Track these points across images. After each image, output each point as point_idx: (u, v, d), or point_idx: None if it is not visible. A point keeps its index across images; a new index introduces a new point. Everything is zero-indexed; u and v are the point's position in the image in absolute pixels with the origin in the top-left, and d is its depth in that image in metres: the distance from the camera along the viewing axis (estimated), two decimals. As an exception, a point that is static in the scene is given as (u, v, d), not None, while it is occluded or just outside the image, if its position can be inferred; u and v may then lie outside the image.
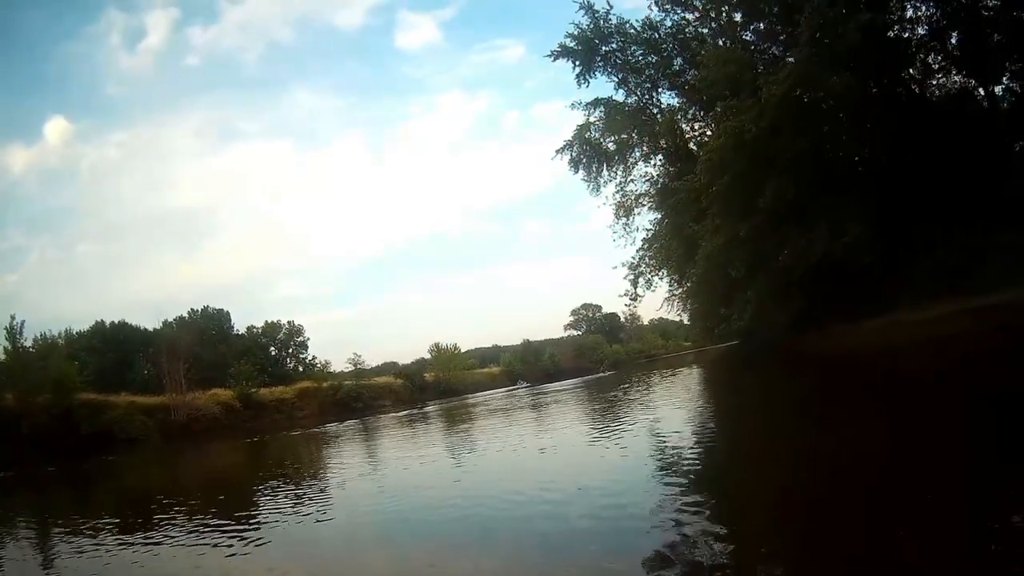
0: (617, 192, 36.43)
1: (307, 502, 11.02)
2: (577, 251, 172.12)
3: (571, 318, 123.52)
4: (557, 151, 36.90)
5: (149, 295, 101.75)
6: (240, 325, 67.99)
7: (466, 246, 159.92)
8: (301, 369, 65.20)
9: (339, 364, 66.63)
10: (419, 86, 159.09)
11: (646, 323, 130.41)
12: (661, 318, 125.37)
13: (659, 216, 36.73)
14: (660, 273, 39.63)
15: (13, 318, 39.09)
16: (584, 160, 35.86)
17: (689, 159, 31.64)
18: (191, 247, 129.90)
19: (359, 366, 64.21)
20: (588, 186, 36.53)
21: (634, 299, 44.89)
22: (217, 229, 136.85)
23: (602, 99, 35.28)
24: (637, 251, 42.23)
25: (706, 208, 26.56)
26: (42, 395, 36.56)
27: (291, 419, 48.99)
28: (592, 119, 36.18)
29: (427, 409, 43.31)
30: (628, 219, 37.29)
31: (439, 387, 66.05)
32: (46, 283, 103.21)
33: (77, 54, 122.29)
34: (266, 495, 12.47)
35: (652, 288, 48.93)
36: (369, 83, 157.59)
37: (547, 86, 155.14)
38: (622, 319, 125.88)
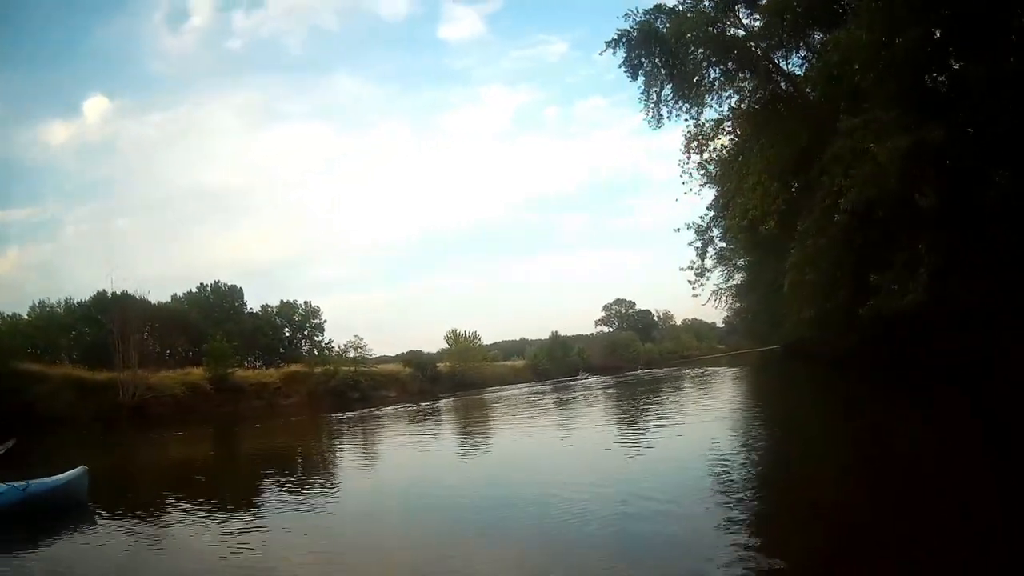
0: (688, 119, 24.92)
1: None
2: (615, 246, 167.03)
3: (603, 314, 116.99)
4: (608, 43, 24.30)
5: (182, 272, 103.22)
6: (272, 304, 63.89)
7: (502, 237, 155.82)
8: (316, 353, 58.88)
9: (374, 349, 59.64)
10: (461, 77, 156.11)
11: (679, 323, 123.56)
12: (695, 319, 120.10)
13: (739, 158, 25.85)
14: (737, 241, 30.99)
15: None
16: (646, 64, 23.90)
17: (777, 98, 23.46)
18: (227, 225, 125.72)
19: (361, 350, 54.77)
20: (645, 108, 24.42)
21: (700, 274, 36.61)
22: (254, 209, 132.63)
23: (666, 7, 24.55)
24: (709, 207, 33.83)
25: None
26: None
27: (272, 407, 41.00)
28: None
29: (438, 404, 35.69)
30: (701, 155, 26.24)
31: (454, 379, 58.36)
32: (80, 254, 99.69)
33: (120, 31, 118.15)
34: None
35: (725, 263, 41.27)
36: (411, 72, 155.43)
37: (588, 83, 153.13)
38: (655, 317, 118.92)
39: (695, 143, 24.64)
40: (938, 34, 16.35)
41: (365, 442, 20.67)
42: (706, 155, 25.61)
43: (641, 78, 23.96)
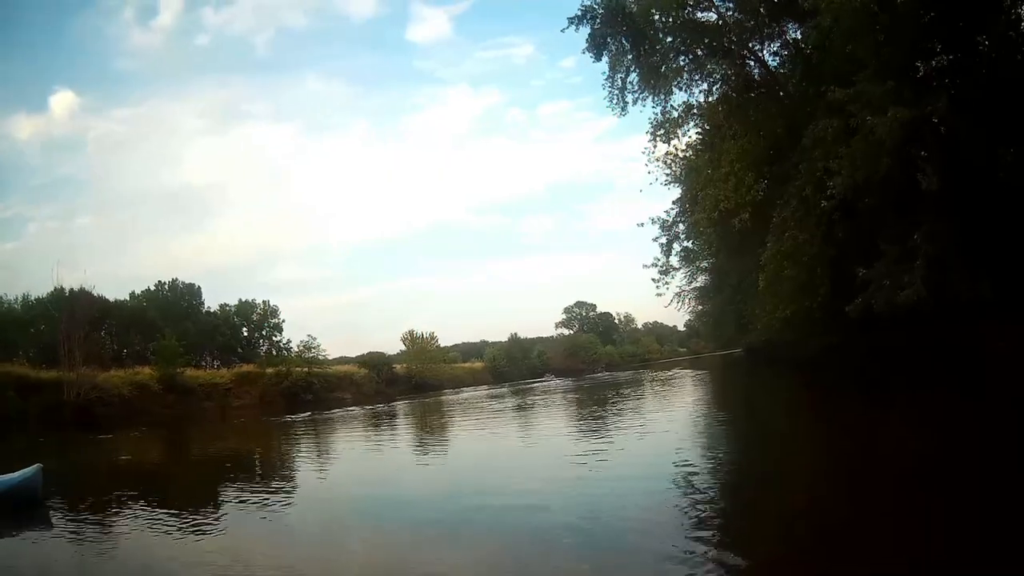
0: (655, 105, 22.44)
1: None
2: (578, 249, 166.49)
3: (563, 316, 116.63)
4: (572, 20, 21.95)
5: (147, 271, 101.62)
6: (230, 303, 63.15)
7: (465, 239, 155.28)
8: (274, 353, 58.00)
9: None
10: (427, 78, 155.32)
11: (640, 326, 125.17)
12: (656, 322, 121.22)
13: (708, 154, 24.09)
14: (705, 237, 29.20)
15: None
16: (612, 44, 21.38)
17: (750, 86, 22.02)
18: (192, 225, 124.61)
19: (314, 350, 53.79)
20: (610, 94, 21.97)
21: (665, 272, 36.51)
22: (219, 209, 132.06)
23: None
24: (676, 201, 33.46)
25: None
26: None
27: (223, 408, 40.28)
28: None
29: (394, 407, 35.67)
30: (668, 143, 23.70)
31: (411, 381, 57.56)
32: (46, 253, 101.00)
33: (89, 26, 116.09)
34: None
35: (689, 264, 40.95)
36: (377, 72, 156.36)
37: (554, 86, 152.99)
38: (616, 320, 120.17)
39: (661, 131, 22.45)
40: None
41: (317, 447, 19.82)
42: (673, 143, 23.64)
43: (606, 59, 21.75)
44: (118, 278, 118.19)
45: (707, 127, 23.80)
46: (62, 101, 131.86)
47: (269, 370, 48.33)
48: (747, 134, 20.14)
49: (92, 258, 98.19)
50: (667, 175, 33.41)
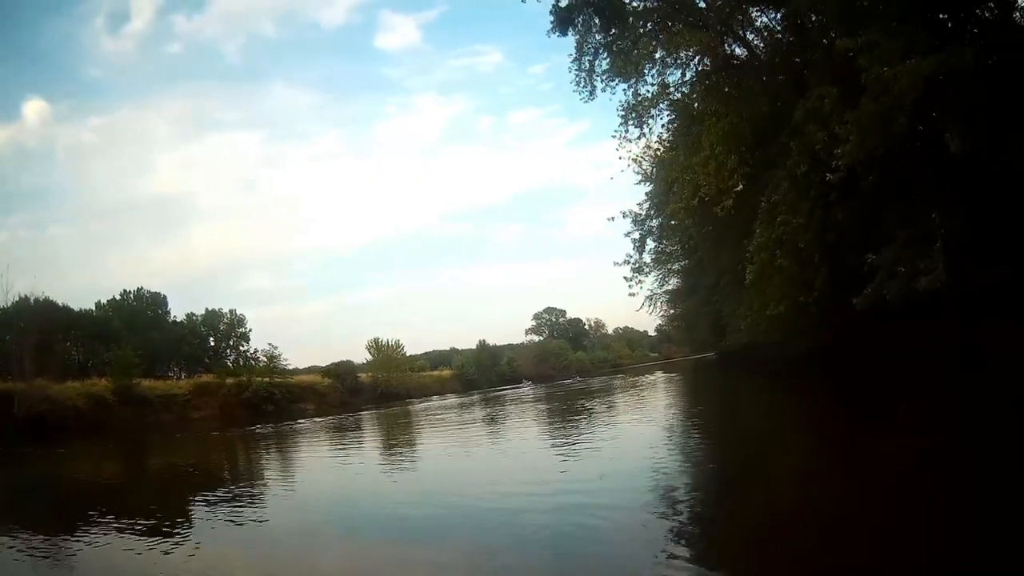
0: (627, 88, 20.19)
1: None
2: (548, 256, 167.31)
3: (533, 322, 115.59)
4: None
5: (119, 281, 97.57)
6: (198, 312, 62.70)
7: (435, 248, 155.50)
8: (242, 363, 57.31)
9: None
10: (396, 87, 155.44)
11: (610, 331, 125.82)
12: (627, 327, 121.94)
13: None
14: (681, 230, 27.51)
15: None
16: (579, 19, 18.88)
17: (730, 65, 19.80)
18: (164, 234, 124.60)
19: (275, 359, 52.82)
20: (577, 77, 19.76)
21: (639, 270, 35.45)
22: (190, 218, 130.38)
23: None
24: (648, 194, 32.70)
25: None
26: None
27: (182, 420, 39.44)
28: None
29: (359, 417, 35.25)
30: (641, 128, 20.82)
31: (377, 390, 56.62)
32: (16, 263, 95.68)
33: (61, 33, 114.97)
34: None
35: (661, 266, 40.05)
36: (346, 80, 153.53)
37: (523, 94, 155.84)
38: (586, 326, 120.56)
39: (633, 114, 20.08)
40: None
41: (280, 460, 19.13)
42: (647, 127, 20.85)
43: (572, 36, 19.33)
44: (89, 288, 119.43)
45: (681, 116, 21.93)
46: (34, 110, 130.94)
47: (229, 380, 47.10)
48: (728, 114, 18.35)
49: (62, 268, 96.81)
50: (637, 172, 32.64)
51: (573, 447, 13.56)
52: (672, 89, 20.26)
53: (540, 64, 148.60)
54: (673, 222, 28.50)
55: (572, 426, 18.67)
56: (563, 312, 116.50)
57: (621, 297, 73.73)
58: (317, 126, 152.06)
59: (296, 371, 55.51)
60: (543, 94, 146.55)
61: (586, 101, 20.02)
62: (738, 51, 20.27)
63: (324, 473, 14.98)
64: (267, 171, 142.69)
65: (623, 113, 20.17)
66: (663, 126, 22.58)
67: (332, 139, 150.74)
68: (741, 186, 18.78)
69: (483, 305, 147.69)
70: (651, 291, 42.30)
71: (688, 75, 20.33)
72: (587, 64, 19.48)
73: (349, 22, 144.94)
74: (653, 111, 20.38)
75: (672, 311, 51.69)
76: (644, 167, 32.47)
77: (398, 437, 22.70)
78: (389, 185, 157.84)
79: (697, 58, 19.91)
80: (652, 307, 44.55)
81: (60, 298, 51.66)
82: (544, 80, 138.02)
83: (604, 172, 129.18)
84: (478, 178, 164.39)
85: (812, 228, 15.40)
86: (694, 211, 21.17)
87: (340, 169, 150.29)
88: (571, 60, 19.77)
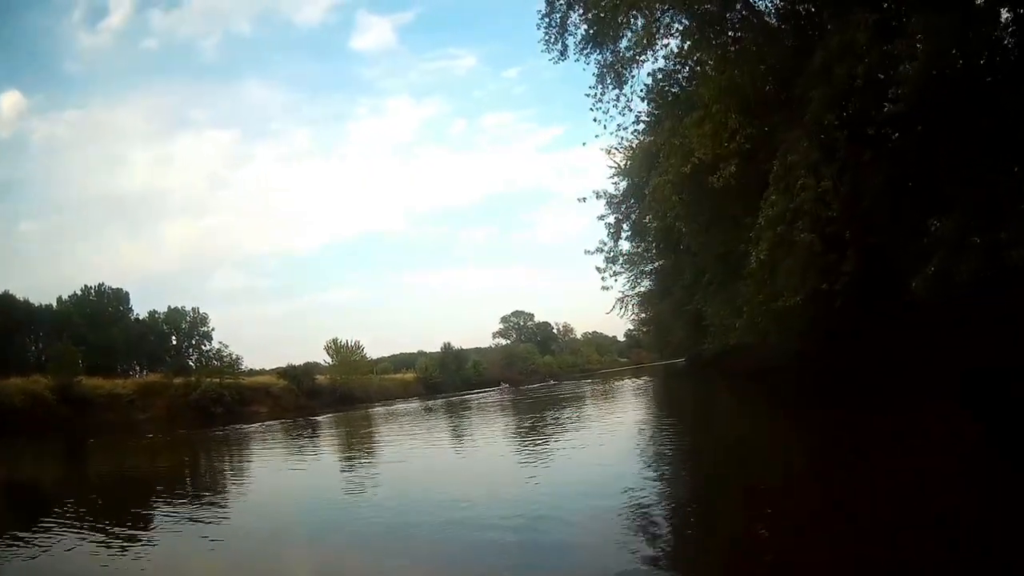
0: (605, 51, 16.81)
1: None
2: (517, 260, 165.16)
3: (500, 325, 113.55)
4: None
5: (87, 277, 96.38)
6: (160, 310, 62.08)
7: (404, 249, 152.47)
8: (204, 363, 54.95)
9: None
10: (369, 88, 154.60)
11: (579, 336, 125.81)
12: (596, 331, 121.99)
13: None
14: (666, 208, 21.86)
15: None
16: None
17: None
18: (135, 231, 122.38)
19: (226, 359, 50.36)
20: (546, 33, 16.84)
21: (614, 260, 34.39)
22: (161, 215, 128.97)
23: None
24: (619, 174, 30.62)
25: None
26: None
27: (128, 422, 37.98)
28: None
29: (315, 421, 34.29)
30: (621, 88, 17.25)
31: (335, 393, 54.74)
32: None
33: (38, 26, 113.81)
34: None
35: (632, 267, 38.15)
36: (320, 81, 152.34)
37: (496, 97, 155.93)
38: (555, 330, 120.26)
39: (612, 73, 16.86)
40: None
41: (228, 468, 17.84)
42: (627, 88, 17.40)
43: None
44: (55, 284, 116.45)
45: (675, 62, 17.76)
46: (10, 101, 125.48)
47: (177, 380, 45.25)
48: (724, 70, 15.39)
49: (31, 263, 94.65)
50: (611, 167, 31.36)
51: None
52: (657, 32, 16.31)
53: (514, 68, 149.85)
54: (652, 219, 25.96)
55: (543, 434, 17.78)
56: (531, 316, 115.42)
57: (591, 302, 73.39)
58: (289, 125, 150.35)
59: (252, 372, 53.68)
60: (517, 98, 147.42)
61: (556, 62, 17.20)
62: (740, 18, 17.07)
63: (259, 487, 13.61)
64: (239, 169, 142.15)
65: (598, 72, 16.97)
66: (646, 84, 18.57)
67: (304, 138, 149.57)
68: (748, 145, 15.48)
69: (452, 308, 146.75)
70: (623, 292, 40.96)
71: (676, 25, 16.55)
72: (557, 21, 16.65)
73: (325, 22, 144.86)
74: (635, 68, 16.86)
75: (643, 315, 49.93)
76: (617, 161, 31.09)
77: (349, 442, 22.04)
78: (360, 186, 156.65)
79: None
80: (623, 310, 43.05)
81: (25, 293, 52.23)
82: (517, 83, 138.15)
83: (576, 177, 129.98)
84: (449, 180, 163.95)
85: (843, 192, 12.42)
86: (684, 183, 17.92)
87: (311, 169, 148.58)
88: (540, 16, 16.85)
